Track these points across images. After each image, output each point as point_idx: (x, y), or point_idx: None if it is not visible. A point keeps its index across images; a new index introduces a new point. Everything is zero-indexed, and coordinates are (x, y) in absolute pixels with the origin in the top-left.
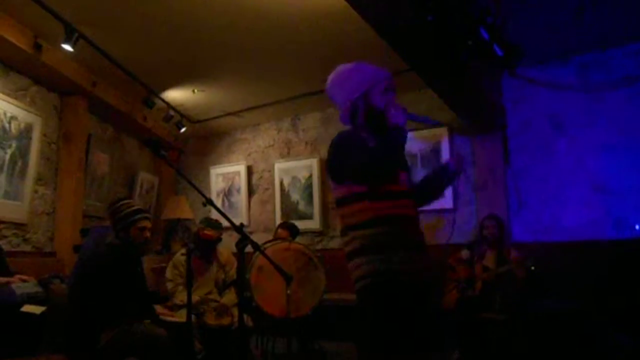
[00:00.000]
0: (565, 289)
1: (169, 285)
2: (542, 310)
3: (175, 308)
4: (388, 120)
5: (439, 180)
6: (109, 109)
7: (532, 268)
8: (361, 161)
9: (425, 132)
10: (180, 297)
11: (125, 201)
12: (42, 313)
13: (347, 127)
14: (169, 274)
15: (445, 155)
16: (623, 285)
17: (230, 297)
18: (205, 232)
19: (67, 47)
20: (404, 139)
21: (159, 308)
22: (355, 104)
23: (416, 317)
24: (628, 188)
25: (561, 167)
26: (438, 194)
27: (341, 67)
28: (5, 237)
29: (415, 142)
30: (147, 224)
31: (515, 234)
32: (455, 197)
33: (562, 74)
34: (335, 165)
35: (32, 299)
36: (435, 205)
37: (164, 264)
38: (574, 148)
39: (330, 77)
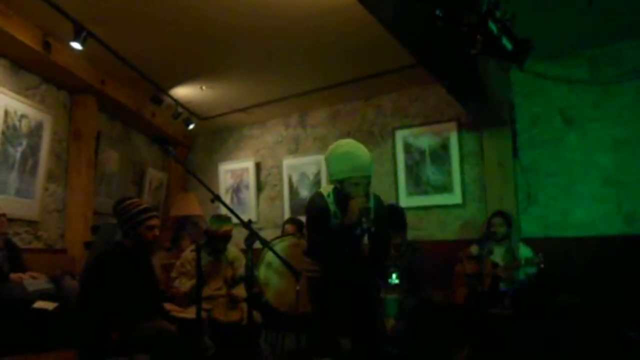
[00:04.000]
0: (575, 284)
1: (175, 283)
2: (552, 306)
3: (188, 297)
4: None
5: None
6: (118, 106)
7: (542, 266)
8: (315, 240)
9: (433, 127)
10: (183, 288)
11: (132, 200)
12: (54, 309)
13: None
14: (174, 272)
15: (453, 149)
16: (634, 280)
17: (239, 293)
18: (225, 228)
19: (76, 46)
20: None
21: (168, 305)
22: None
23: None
24: (639, 182)
25: (571, 161)
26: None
27: (346, 145)
28: (18, 234)
29: (423, 137)
30: (156, 222)
31: (525, 229)
32: (464, 192)
33: (572, 67)
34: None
35: (44, 296)
36: (444, 201)
37: (173, 261)
38: (585, 142)
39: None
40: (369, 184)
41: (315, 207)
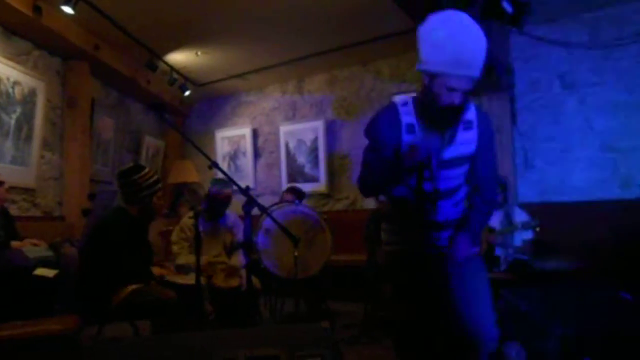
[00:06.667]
0: (571, 248)
1: (174, 248)
2: (547, 269)
3: (179, 269)
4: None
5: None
6: (112, 73)
7: (537, 229)
8: (367, 171)
9: None
10: (185, 259)
11: (147, 170)
12: (55, 276)
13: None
14: (174, 236)
15: None
16: (628, 244)
17: (238, 260)
18: (225, 192)
19: (67, 10)
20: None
21: (156, 269)
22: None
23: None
24: (636, 147)
25: (569, 126)
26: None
27: (453, 24)
28: (15, 202)
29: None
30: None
31: (522, 194)
32: None
33: (572, 31)
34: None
35: (44, 263)
36: None
37: (171, 227)
38: (583, 107)
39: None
40: (471, 90)
41: (373, 124)
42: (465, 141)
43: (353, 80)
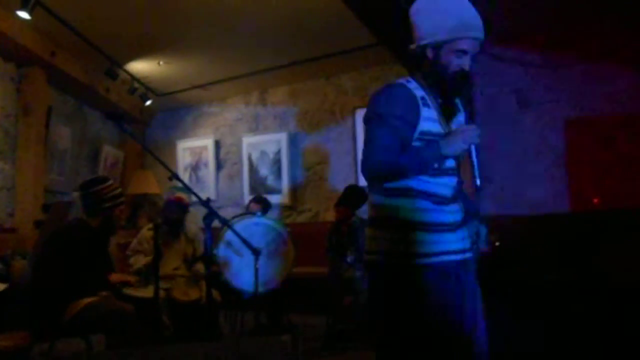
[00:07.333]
0: (527, 260)
1: (131, 260)
2: (506, 281)
3: (137, 273)
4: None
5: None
6: (69, 80)
7: (497, 243)
8: (382, 149)
9: None
10: (137, 264)
11: (110, 182)
12: (4, 290)
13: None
14: (130, 249)
15: None
16: (581, 256)
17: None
18: (178, 195)
19: (24, 15)
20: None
21: (117, 276)
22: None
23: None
24: (587, 162)
25: (525, 142)
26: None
27: None
28: None
29: None
30: None
31: (480, 208)
32: None
33: (526, 50)
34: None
35: None
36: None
37: (130, 239)
38: (538, 123)
39: None
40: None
41: (390, 98)
42: (460, 119)
43: (316, 94)
